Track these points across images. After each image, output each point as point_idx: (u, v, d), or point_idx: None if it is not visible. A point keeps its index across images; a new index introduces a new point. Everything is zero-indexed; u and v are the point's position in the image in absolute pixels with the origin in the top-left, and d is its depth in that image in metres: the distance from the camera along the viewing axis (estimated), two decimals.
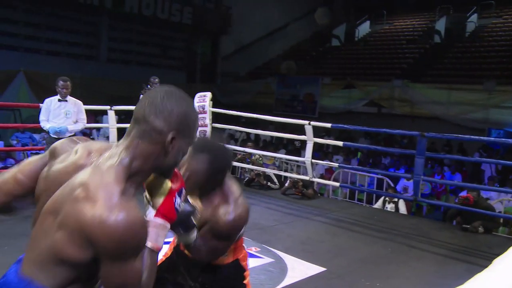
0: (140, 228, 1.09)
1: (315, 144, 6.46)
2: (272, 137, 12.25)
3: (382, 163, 11.12)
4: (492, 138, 10.08)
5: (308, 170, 6.48)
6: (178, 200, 1.29)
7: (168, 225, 1.27)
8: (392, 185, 8.08)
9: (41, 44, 14.58)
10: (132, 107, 6.56)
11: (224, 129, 8.27)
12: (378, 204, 7.34)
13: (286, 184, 6.86)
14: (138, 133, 1.17)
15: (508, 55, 13.68)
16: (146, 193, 1.29)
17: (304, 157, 6.59)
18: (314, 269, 3.91)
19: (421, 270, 4.14)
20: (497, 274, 0.91)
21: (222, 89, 17.46)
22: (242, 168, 8.12)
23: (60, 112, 5.26)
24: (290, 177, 6.98)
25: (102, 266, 1.09)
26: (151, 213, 1.26)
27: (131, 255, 1.09)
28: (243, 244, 1.98)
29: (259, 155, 7.59)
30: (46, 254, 1.10)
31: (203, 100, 7.05)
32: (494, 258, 0.96)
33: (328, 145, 11.28)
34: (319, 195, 7.56)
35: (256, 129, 8.31)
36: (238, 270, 1.90)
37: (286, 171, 8.64)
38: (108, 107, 6.30)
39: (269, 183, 7.14)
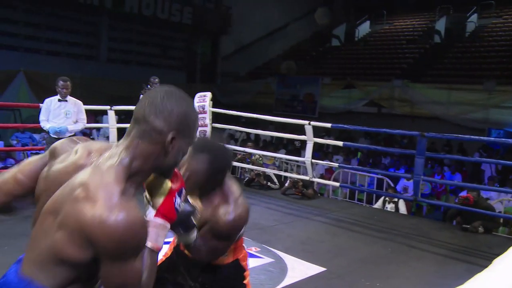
0: (140, 228, 1.09)
1: (315, 144, 6.46)
2: (272, 137, 12.25)
3: (382, 163, 11.12)
4: (492, 138, 10.08)
5: (308, 170, 6.48)
6: (178, 200, 1.28)
7: (168, 225, 1.27)
8: (392, 185, 8.08)
9: (41, 44, 14.59)
10: (132, 107, 6.56)
11: (224, 129, 8.27)
12: (378, 204, 7.34)
13: (286, 184, 6.86)
14: (138, 133, 1.17)
15: (508, 55, 13.68)
16: (146, 193, 1.28)
17: (304, 157, 6.59)
18: (314, 269, 3.91)
19: (421, 270, 4.14)
20: (497, 274, 0.91)
21: (222, 89, 17.46)
22: (242, 168, 8.12)
23: (60, 112, 5.26)
24: (290, 177, 6.98)
25: (102, 266, 1.09)
26: (151, 213, 1.26)
27: (131, 255, 1.09)
28: (243, 244, 1.97)
29: (259, 155, 7.59)
30: (46, 254, 1.10)
31: (203, 100, 7.05)
32: (494, 258, 0.96)
33: (328, 145, 11.29)
34: (319, 195, 7.56)
35: (256, 129, 8.31)
36: (238, 270, 1.90)
37: (286, 171, 8.64)
38: (108, 107, 6.30)
39: (269, 183, 7.14)
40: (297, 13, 19.67)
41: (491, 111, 12.11)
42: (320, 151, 11.07)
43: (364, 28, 19.62)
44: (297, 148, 11.17)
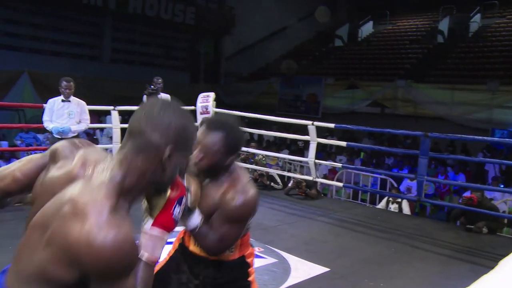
0: (129, 249, 1.03)
1: (319, 144, 6.46)
2: (275, 137, 12.25)
3: (385, 163, 11.10)
4: (496, 138, 10.05)
5: (311, 170, 6.47)
6: (177, 209, 1.25)
7: (167, 236, 1.24)
8: (395, 185, 8.07)
9: (45, 45, 14.66)
10: (135, 108, 6.57)
11: None
12: (381, 205, 7.33)
13: (290, 185, 6.86)
14: (133, 147, 1.12)
15: None
16: (144, 201, 1.25)
17: (307, 157, 6.59)
18: (317, 270, 3.91)
19: (425, 270, 4.13)
20: (503, 276, 0.90)
21: (225, 89, 17.48)
22: (245, 168, 8.11)
23: (63, 113, 5.27)
24: (294, 177, 6.98)
25: (90, 286, 1.05)
26: (148, 223, 1.23)
27: (120, 276, 1.04)
28: (250, 241, 1.96)
29: (262, 155, 7.59)
30: (32, 271, 1.07)
31: (206, 101, 7.05)
32: (498, 258, 0.96)
33: (331, 145, 11.27)
34: (322, 195, 7.56)
35: (259, 129, 8.31)
36: (243, 266, 1.88)
37: (289, 171, 8.63)
38: (112, 107, 6.30)
39: (272, 184, 7.13)
40: (300, 14, 19.66)
41: (494, 111, 12.08)
42: (323, 152, 11.06)
43: (367, 28, 19.60)
44: (300, 148, 11.17)
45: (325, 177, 9.27)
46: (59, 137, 5.20)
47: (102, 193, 1.06)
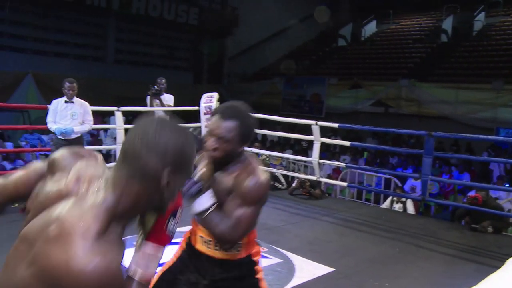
0: (111, 279, 0.96)
1: (322, 144, 6.45)
2: (279, 137, 12.25)
3: (389, 163, 11.08)
4: (501, 137, 10.04)
5: (315, 170, 6.47)
6: (171, 223, 1.20)
7: (161, 252, 1.19)
8: (399, 185, 8.05)
9: (49, 46, 14.71)
10: (139, 108, 6.60)
11: None
12: (385, 204, 7.32)
13: (294, 184, 6.86)
14: (128, 170, 1.05)
15: None
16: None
17: (311, 157, 6.58)
18: (322, 269, 3.90)
19: (430, 270, 4.12)
20: (511, 274, 0.90)
21: (228, 89, 17.49)
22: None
23: (67, 114, 5.27)
24: (298, 177, 6.97)
25: None
26: (142, 238, 1.18)
27: None
28: (256, 240, 1.95)
29: (266, 155, 7.59)
30: (14, 287, 1.02)
31: (210, 101, 7.05)
32: (504, 258, 0.96)
33: (335, 145, 11.27)
34: (326, 195, 7.54)
35: (263, 129, 8.31)
36: (250, 264, 1.87)
37: (293, 171, 8.63)
38: (116, 108, 6.31)
39: (276, 183, 7.13)
40: (303, 14, 19.67)
41: (499, 110, 12.04)
42: (327, 151, 11.06)
43: (370, 28, 19.58)
44: (304, 148, 11.17)
45: (329, 177, 9.26)
46: (62, 138, 5.21)
47: (91, 216, 1.00)
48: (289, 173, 7.44)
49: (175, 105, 7.02)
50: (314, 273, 3.82)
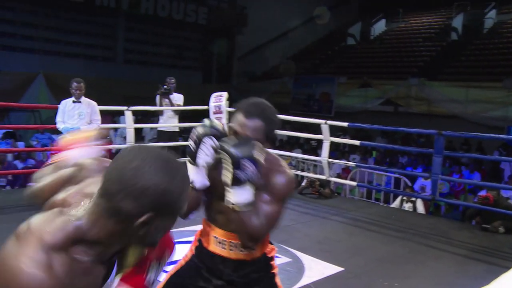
0: None
1: (332, 143, 6.44)
2: (288, 136, 12.24)
3: (399, 162, 11.03)
4: None
5: (324, 169, 6.46)
6: (152, 273, 1.09)
7: None
8: (409, 184, 8.01)
9: (60, 47, 14.84)
10: (149, 108, 6.61)
11: None
12: (395, 204, 7.28)
13: (303, 184, 6.85)
14: (104, 208, 0.95)
15: None
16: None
17: (320, 156, 6.57)
18: (331, 269, 3.89)
19: (440, 270, 4.10)
20: None
21: (238, 89, 17.50)
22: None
23: (74, 113, 5.30)
24: (307, 177, 6.96)
25: None
26: (117, 278, 1.06)
27: None
28: (269, 239, 1.92)
29: (275, 154, 7.57)
30: None
31: (219, 100, 7.06)
32: None
33: (344, 144, 11.24)
34: (336, 194, 7.53)
35: None
36: (266, 261, 1.84)
37: (302, 170, 8.62)
38: (125, 107, 6.34)
39: None
40: (312, 13, 19.63)
41: (510, 108, 11.93)
42: (336, 151, 11.03)
43: (379, 27, 19.50)
44: (314, 148, 11.15)
45: (338, 176, 9.24)
46: None
47: (58, 229, 0.94)
48: (299, 172, 7.43)
49: (184, 105, 7.04)
50: (323, 272, 3.82)
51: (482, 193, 6.20)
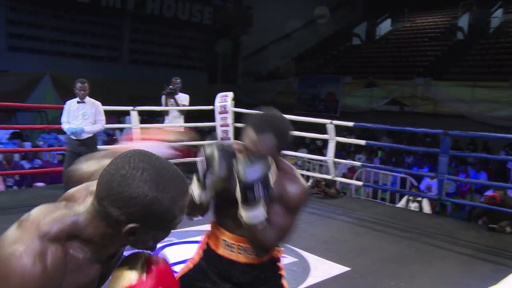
0: (23, 277, 0.87)
1: (338, 143, 6.43)
2: (294, 136, 12.23)
3: (405, 162, 11.00)
4: None
5: (330, 169, 6.45)
6: None
7: None
8: (415, 184, 7.99)
9: (66, 48, 14.93)
10: (155, 108, 6.61)
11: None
12: (401, 203, 7.27)
13: (309, 183, 6.85)
14: (96, 210, 0.96)
15: None
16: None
17: (326, 156, 6.57)
18: (337, 269, 3.89)
19: (446, 270, 4.08)
20: None
21: (243, 89, 17.52)
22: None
23: (78, 114, 5.29)
24: (313, 176, 6.96)
25: None
26: None
27: None
28: None
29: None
30: None
31: (224, 100, 7.08)
32: None
33: (350, 144, 11.23)
34: (341, 194, 7.51)
35: None
36: (273, 263, 1.85)
37: (308, 170, 8.61)
38: (131, 107, 6.36)
39: None
40: (318, 12, 19.60)
41: None
42: (342, 150, 11.01)
43: (385, 26, 19.45)
44: (319, 147, 11.14)
45: (344, 176, 9.22)
46: (74, 138, 5.26)
47: (56, 220, 0.95)
48: (304, 172, 7.42)
49: (190, 105, 7.05)
50: (329, 272, 3.82)
51: (489, 192, 6.17)
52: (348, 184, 8.50)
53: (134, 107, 6.36)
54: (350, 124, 6.36)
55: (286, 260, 3.97)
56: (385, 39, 18.84)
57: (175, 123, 6.87)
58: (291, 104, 15.90)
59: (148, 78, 14.84)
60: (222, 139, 7.05)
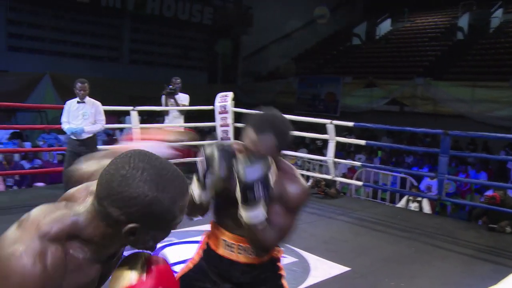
0: (23, 277, 0.88)
1: (338, 143, 6.43)
2: (294, 136, 12.23)
3: (405, 162, 11.00)
4: None
5: (330, 169, 6.45)
6: None
7: None
8: (415, 184, 7.99)
9: (66, 48, 14.94)
10: (155, 108, 6.59)
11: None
12: (401, 203, 7.27)
13: (309, 183, 6.84)
14: (96, 210, 0.97)
15: None
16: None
17: (326, 156, 6.57)
18: (337, 269, 3.89)
19: (446, 270, 4.08)
20: None
21: (243, 89, 17.52)
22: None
23: (78, 114, 5.29)
24: (313, 176, 6.96)
25: None
26: None
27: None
28: None
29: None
30: None
31: (224, 100, 7.09)
32: None
33: (350, 144, 11.23)
34: (341, 194, 7.51)
35: None
36: (273, 263, 1.85)
37: (308, 170, 8.61)
38: (131, 107, 6.36)
39: None
40: (317, 12, 19.60)
41: None
42: (342, 150, 11.02)
43: (385, 26, 19.46)
44: (319, 147, 11.14)
45: (344, 176, 9.22)
46: (74, 138, 5.26)
47: (56, 222, 0.95)
48: (304, 172, 7.42)
49: (190, 105, 7.05)
50: (329, 272, 3.82)
51: (489, 192, 6.17)
52: (348, 184, 8.50)
53: (134, 107, 6.36)
54: (350, 124, 6.36)
55: (286, 260, 3.97)
56: (385, 39, 18.84)
57: (175, 123, 6.87)
58: (291, 104, 15.89)
59: (148, 78, 14.84)
60: (222, 139, 7.05)
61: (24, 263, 0.88)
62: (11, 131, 9.67)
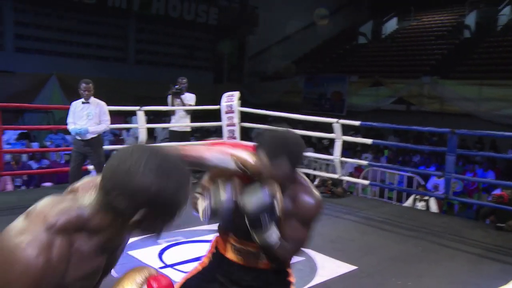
0: (29, 269, 0.90)
1: (344, 142, 6.42)
2: (300, 135, 12.21)
3: (412, 161, 10.96)
4: None
5: (337, 168, 6.44)
6: None
7: None
8: (422, 183, 7.96)
9: (73, 48, 15.02)
10: (161, 108, 6.61)
11: (252, 128, 8.28)
12: (408, 202, 7.24)
13: (315, 183, 6.84)
14: (103, 201, 0.99)
15: None
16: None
17: (333, 155, 6.56)
18: (344, 268, 3.89)
19: (454, 269, 4.07)
20: None
21: (249, 88, 17.52)
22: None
23: (83, 114, 5.30)
24: (319, 176, 6.95)
25: None
26: None
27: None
28: None
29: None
30: None
31: (231, 100, 7.10)
32: None
33: (357, 143, 11.20)
34: (348, 193, 7.50)
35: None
36: (282, 269, 1.85)
37: (315, 169, 8.60)
38: (138, 107, 6.38)
39: None
40: (318, 13, 19.57)
41: None
42: (349, 149, 10.99)
43: (391, 25, 19.39)
44: (326, 147, 11.12)
45: (351, 175, 9.20)
46: (79, 138, 5.28)
47: (62, 214, 0.97)
48: (311, 172, 7.41)
49: (196, 105, 7.07)
50: (336, 271, 3.81)
51: (497, 191, 6.14)
52: (355, 183, 8.48)
53: (140, 107, 6.38)
54: (357, 123, 6.35)
55: (292, 259, 3.96)
56: (391, 38, 18.77)
57: (181, 123, 6.88)
58: (297, 103, 15.89)
59: (153, 78, 14.88)
60: (228, 138, 7.06)
61: (28, 254, 0.91)
62: (19, 131, 9.74)
